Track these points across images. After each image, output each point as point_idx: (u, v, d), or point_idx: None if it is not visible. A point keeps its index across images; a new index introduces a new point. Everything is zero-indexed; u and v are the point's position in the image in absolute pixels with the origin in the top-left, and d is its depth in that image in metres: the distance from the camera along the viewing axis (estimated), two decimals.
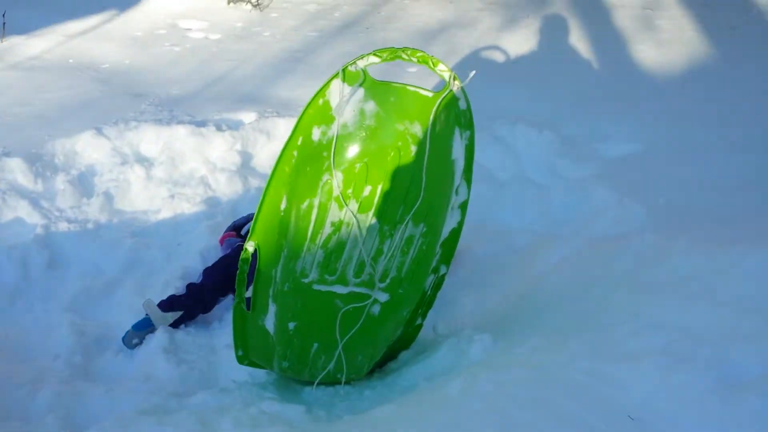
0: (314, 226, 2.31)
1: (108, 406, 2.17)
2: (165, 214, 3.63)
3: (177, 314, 2.78)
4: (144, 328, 2.74)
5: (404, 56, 2.23)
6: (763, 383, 1.31)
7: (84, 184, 3.74)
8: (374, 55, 2.24)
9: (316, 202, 2.30)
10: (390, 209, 2.32)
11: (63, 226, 3.43)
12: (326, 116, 2.28)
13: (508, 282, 2.59)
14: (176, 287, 3.01)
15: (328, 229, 2.32)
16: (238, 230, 3.31)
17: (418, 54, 2.25)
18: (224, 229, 3.40)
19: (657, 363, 1.44)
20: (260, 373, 2.50)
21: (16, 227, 3.44)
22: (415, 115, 2.28)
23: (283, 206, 2.29)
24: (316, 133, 2.29)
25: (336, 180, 2.27)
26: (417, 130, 2.29)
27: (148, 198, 3.72)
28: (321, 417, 1.98)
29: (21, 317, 2.94)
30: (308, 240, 2.31)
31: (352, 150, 2.29)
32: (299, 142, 2.28)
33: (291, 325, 2.34)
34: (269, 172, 3.99)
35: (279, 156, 2.29)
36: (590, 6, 6.06)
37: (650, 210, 3.15)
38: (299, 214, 2.30)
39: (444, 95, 2.25)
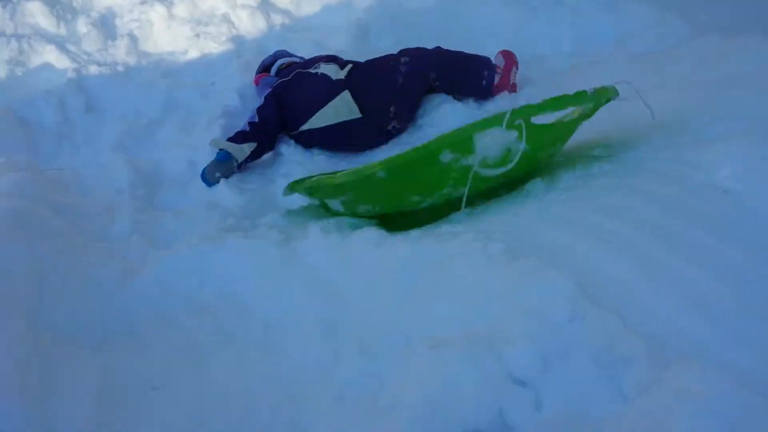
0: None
1: (185, 228, 2.24)
2: (192, 54, 3.56)
3: (252, 145, 2.75)
4: (225, 160, 2.70)
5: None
6: None
7: (107, 25, 3.65)
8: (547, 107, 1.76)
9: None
10: None
11: (94, 69, 3.38)
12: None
13: None
14: (221, 124, 3.01)
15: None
16: (268, 69, 3.26)
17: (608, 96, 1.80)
18: (255, 69, 3.34)
19: (740, 144, 1.48)
20: None
21: (47, 73, 3.39)
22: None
23: None
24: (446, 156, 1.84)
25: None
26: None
27: (172, 38, 3.64)
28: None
29: (70, 159, 2.96)
30: None
31: None
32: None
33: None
34: (290, 8, 3.97)
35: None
36: None
37: (695, 26, 3.08)
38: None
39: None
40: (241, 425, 1.38)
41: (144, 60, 3.52)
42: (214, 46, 3.57)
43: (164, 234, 2.21)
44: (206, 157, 2.84)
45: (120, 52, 3.51)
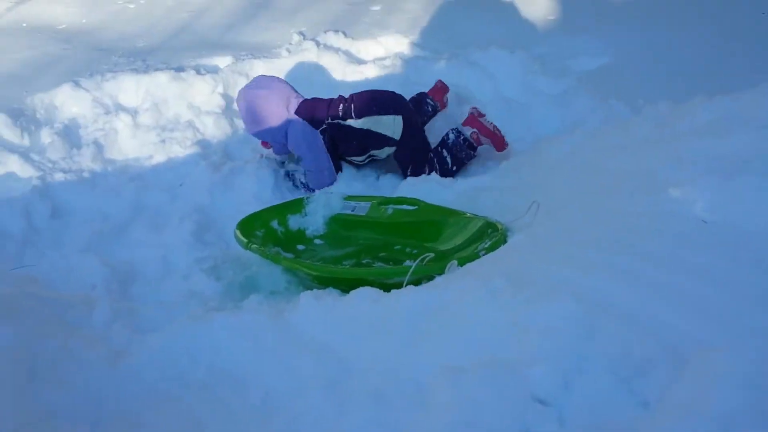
0: None
1: (167, 316, 2.21)
2: (159, 158, 3.61)
3: None
4: None
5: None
6: None
7: (71, 135, 3.68)
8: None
9: None
10: None
11: (59, 176, 3.38)
12: None
13: (524, 175, 2.73)
14: (194, 220, 3.03)
15: None
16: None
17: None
18: (221, 170, 3.42)
19: (709, 181, 1.59)
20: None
21: (11, 182, 3.35)
22: None
23: None
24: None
25: None
26: None
27: (138, 145, 3.69)
28: None
29: (37, 263, 2.90)
30: None
31: None
32: None
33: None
34: None
35: None
36: None
37: (635, 110, 3.34)
38: None
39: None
40: None
41: (110, 166, 3.54)
42: (180, 150, 3.63)
43: (147, 321, 2.17)
44: (181, 254, 2.85)
45: (85, 160, 3.52)
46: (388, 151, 3.28)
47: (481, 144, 3.31)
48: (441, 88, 3.65)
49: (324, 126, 3.24)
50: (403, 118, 3.21)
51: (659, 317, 1.25)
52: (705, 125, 1.93)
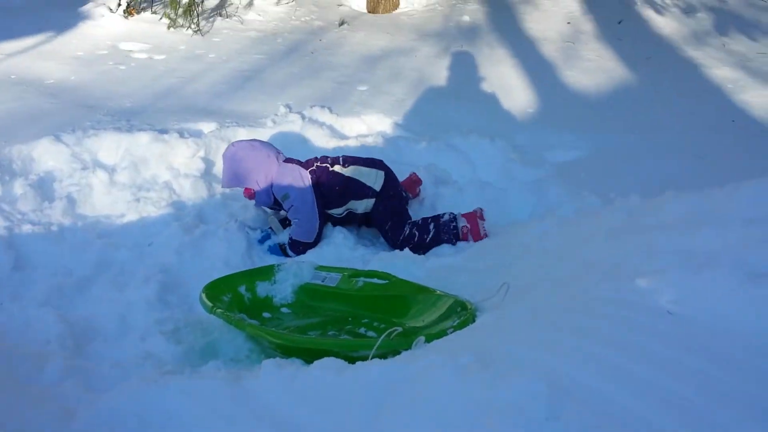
0: None
1: (121, 376, 2.13)
2: (131, 217, 3.58)
3: None
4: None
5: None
6: None
7: (44, 188, 3.66)
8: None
9: None
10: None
11: (26, 228, 3.33)
12: None
13: (495, 257, 2.74)
14: (158, 280, 2.98)
15: None
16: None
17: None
18: (193, 232, 3.39)
19: (676, 274, 1.61)
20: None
21: None
22: None
23: None
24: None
25: None
26: None
27: (111, 202, 3.67)
28: None
29: None
30: None
31: None
32: None
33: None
34: None
35: None
36: (517, 39, 6.51)
37: (606, 202, 3.42)
38: None
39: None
40: None
41: (80, 222, 3.49)
42: (154, 210, 3.60)
43: (99, 381, 2.09)
44: (141, 314, 2.78)
45: (56, 213, 3.48)
46: (367, 203, 3.38)
47: (465, 240, 3.31)
48: (415, 181, 3.79)
49: (313, 167, 3.41)
50: (385, 174, 3.42)
51: (621, 403, 1.23)
52: (674, 220, 1.97)
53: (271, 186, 3.43)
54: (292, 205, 3.36)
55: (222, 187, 3.65)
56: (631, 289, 1.65)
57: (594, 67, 5.83)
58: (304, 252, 3.32)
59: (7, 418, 1.61)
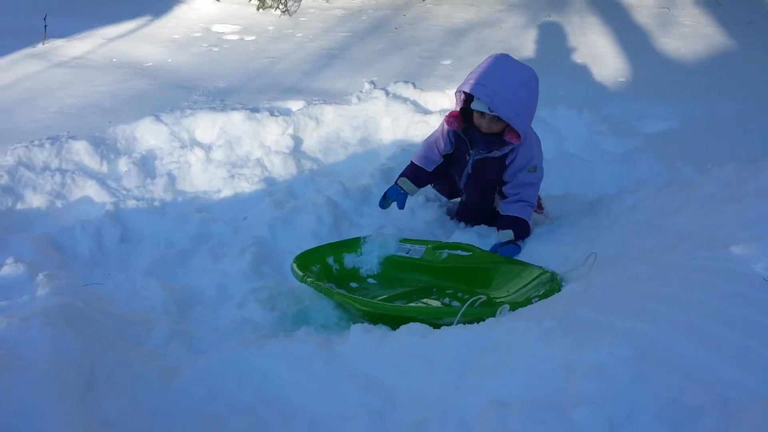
0: None
1: (221, 339, 2.27)
2: (226, 192, 3.75)
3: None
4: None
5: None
6: None
7: (146, 166, 3.87)
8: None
9: None
10: None
11: (131, 203, 3.54)
12: None
13: (582, 229, 2.70)
14: (253, 252, 3.11)
15: None
16: None
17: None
18: (284, 207, 3.50)
19: None
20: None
21: (86, 205, 3.55)
22: None
23: None
24: None
25: None
26: None
27: (208, 178, 3.85)
28: None
29: (104, 282, 3.02)
30: None
31: None
32: None
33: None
34: (319, 155, 4.24)
35: None
36: (609, 6, 6.29)
37: (702, 173, 3.28)
38: None
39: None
40: None
41: (180, 197, 3.69)
42: (247, 186, 3.76)
43: (201, 343, 2.23)
44: (238, 283, 2.92)
45: (158, 189, 3.69)
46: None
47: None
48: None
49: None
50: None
51: (711, 367, 1.21)
52: None
53: (518, 145, 2.75)
54: (530, 182, 2.82)
55: (490, 111, 2.70)
56: (725, 257, 1.61)
57: (691, 33, 5.57)
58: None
59: (119, 372, 1.76)
